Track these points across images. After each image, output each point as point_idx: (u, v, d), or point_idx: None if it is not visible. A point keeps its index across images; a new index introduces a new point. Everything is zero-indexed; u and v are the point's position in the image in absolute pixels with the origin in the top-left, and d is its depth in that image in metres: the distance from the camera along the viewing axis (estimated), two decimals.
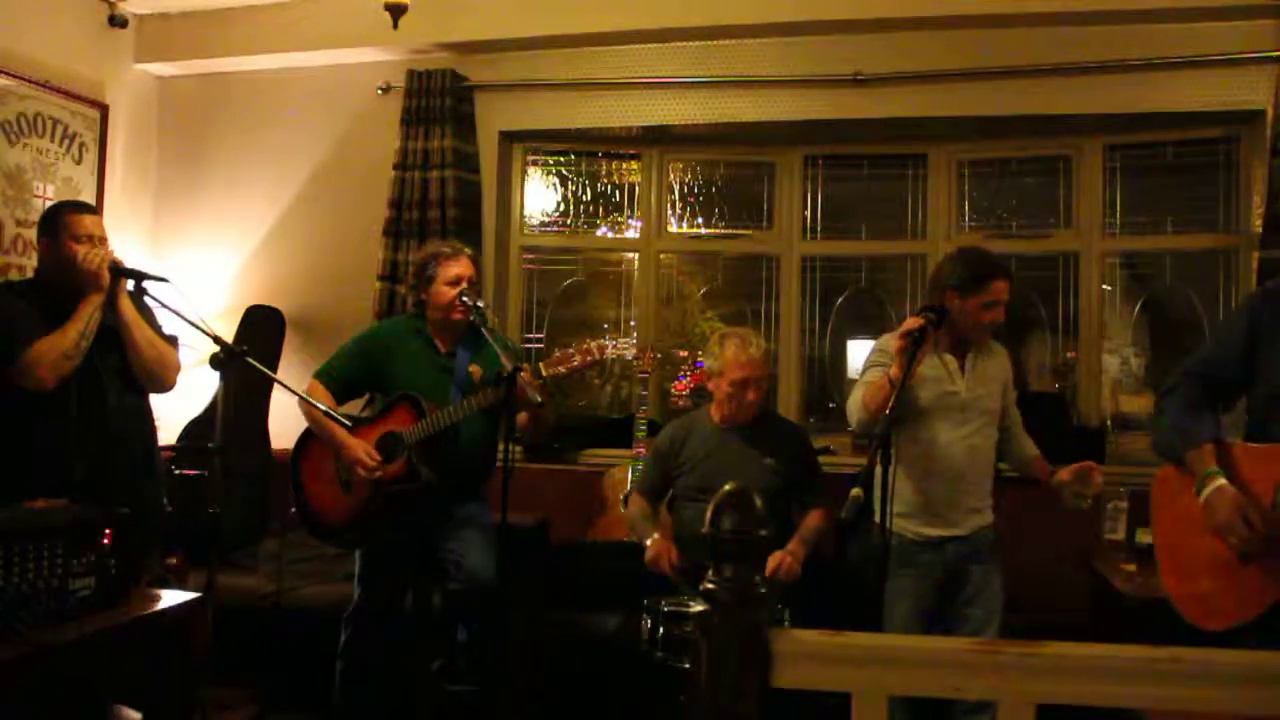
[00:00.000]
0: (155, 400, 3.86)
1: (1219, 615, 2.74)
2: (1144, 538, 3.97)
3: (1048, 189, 5.39)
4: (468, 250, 4.05)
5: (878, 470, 2.99)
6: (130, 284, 3.56)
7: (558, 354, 3.80)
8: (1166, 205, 5.20)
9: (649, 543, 3.82)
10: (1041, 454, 3.72)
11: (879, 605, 3.51)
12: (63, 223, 3.57)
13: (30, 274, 4.97)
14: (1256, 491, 2.72)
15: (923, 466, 3.54)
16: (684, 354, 5.83)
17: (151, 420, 3.87)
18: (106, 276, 3.49)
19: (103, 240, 3.60)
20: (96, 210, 3.74)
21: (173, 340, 3.81)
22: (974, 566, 3.56)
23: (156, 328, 3.72)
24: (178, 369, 3.78)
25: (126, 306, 3.56)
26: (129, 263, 3.64)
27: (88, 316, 3.45)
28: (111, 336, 3.56)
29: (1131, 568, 3.87)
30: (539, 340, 5.85)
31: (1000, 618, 3.56)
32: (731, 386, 3.80)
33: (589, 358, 3.75)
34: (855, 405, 3.52)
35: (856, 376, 5.57)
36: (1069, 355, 5.30)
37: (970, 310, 3.49)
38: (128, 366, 3.61)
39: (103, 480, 3.47)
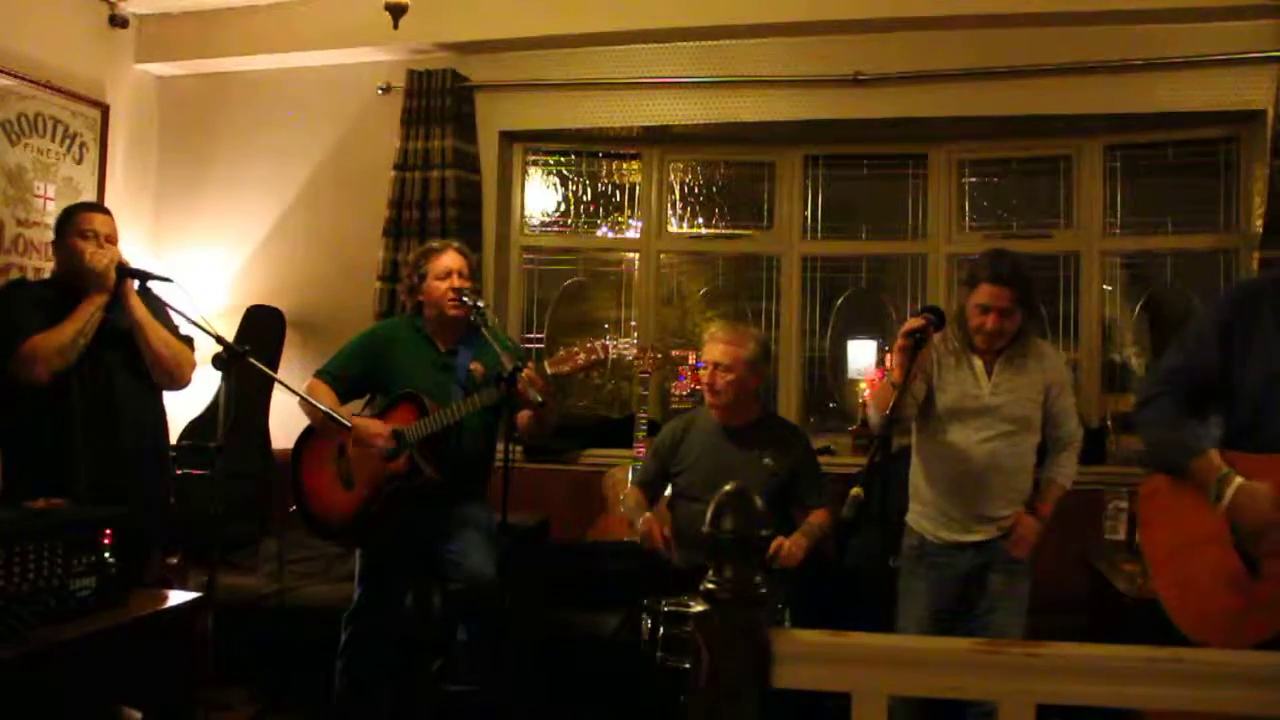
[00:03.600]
0: None
1: (1236, 635, 2.56)
2: (1142, 549, 3.96)
3: (1048, 189, 5.39)
4: (455, 243, 4.03)
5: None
6: (136, 284, 3.58)
7: (562, 353, 3.79)
8: (1167, 205, 5.20)
9: (640, 521, 3.85)
10: (1058, 489, 3.54)
11: (879, 606, 3.52)
12: (72, 222, 3.59)
13: (40, 274, 5.06)
14: None
15: (943, 469, 3.53)
16: (687, 355, 5.82)
17: (163, 420, 3.87)
18: (113, 276, 3.50)
19: (110, 240, 3.61)
20: (109, 211, 3.74)
21: (188, 340, 3.81)
22: (993, 575, 3.48)
23: (172, 328, 3.73)
24: (193, 367, 3.78)
25: (138, 306, 3.57)
26: (134, 263, 3.65)
27: (88, 315, 3.46)
28: (118, 335, 3.57)
29: (1133, 568, 3.87)
30: (539, 340, 5.85)
31: (1022, 628, 3.46)
32: (706, 368, 3.92)
33: (593, 356, 3.76)
34: (871, 408, 3.54)
35: (856, 376, 5.66)
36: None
37: (969, 312, 3.47)
38: (136, 365, 3.61)
39: (107, 479, 3.47)
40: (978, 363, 3.51)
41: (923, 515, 3.58)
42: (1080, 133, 5.22)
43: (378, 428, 3.72)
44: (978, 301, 3.43)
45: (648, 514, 3.88)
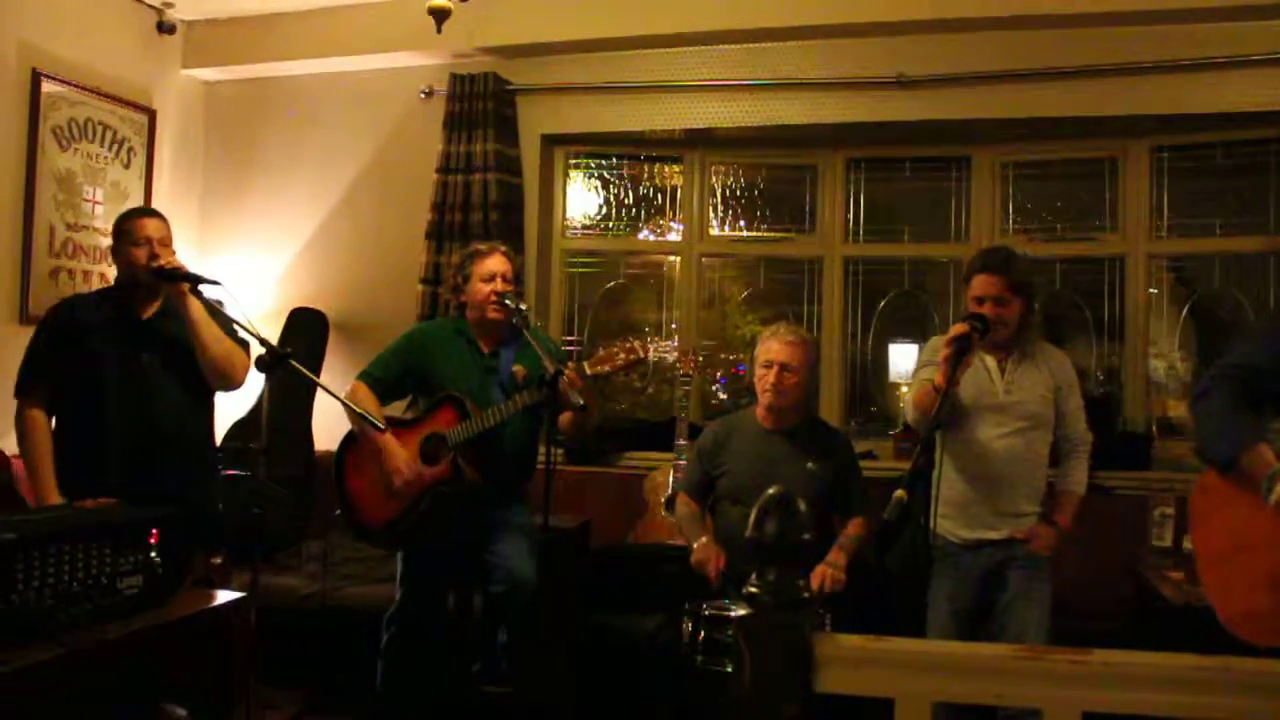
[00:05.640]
0: None
1: (1278, 634, 2.55)
2: (1191, 544, 3.91)
3: (1093, 191, 5.33)
4: (502, 246, 4.05)
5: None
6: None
7: (601, 353, 3.79)
8: (1215, 207, 5.13)
9: (696, 545, 3.82)
10: (1074, 498, 3.61)
11: (921, 610, 3.50)
12: (123, 229, 3.63)
13: (88, 277, 5.20)
14: None
15: (964, 465, 3.54)
16: (733, 357, 5.81)
17: (208, 422, 3.90)
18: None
19: (164, 243, 3.63)
20: (160, 215, 3.77)
21: (244, 345, 3.84)
22: (1012, 572, 3.50)
23: (230, 331, 3.76)
24: (246, 368, 3.80)
25: (195, 307, 3.59)
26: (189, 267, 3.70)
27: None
28: (163, 338, 3.61)
29: (1179, 575, 3.82)
30: (580, 343, 5.86)
31: (1042, 627, 3.46)
32: (760, 368, 3.87)
33: (633, 356, 3.75)
34: (908, 403, 3.59)
35: (898, 380, 5.62)
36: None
37: (969, 307, 3.48)
38: (180, 367, 3.64)
39: (146, 480, 3.50)
40: (990, 361, 3.55)
41: (944, 515, 3.55)
42: (1126, 134, 5.16)
43: (403, 467, 3.75)
44: (973, 294, 3.48)
45: (705, 539, 3.86)
